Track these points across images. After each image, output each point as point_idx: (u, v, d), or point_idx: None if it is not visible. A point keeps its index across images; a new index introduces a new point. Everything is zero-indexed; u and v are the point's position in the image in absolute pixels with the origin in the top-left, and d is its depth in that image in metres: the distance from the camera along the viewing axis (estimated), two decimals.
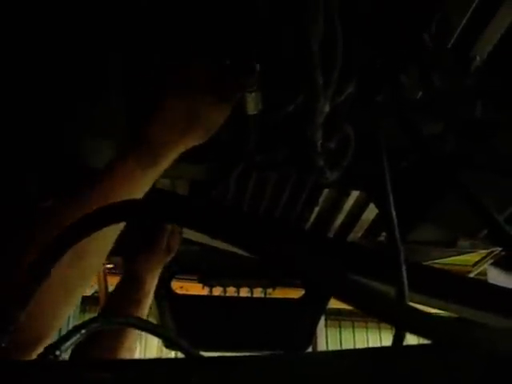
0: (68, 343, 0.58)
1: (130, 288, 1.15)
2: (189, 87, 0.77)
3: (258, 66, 0.73)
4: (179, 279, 1.76)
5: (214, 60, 0.78)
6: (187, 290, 1.81)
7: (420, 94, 0.84)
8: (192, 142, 0.79)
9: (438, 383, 0.32)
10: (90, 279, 0.74)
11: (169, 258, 1.22)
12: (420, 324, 0.34)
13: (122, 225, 0.74)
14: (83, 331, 0.60)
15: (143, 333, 0.75)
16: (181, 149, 0.78)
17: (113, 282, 1.89)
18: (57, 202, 0.77)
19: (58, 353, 0.56)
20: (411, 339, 0.46)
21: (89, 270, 0.71)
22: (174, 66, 0.80)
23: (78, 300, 0.72)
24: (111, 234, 0.73)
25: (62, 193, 0.90)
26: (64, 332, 0.59)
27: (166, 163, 0.77)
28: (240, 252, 0.42)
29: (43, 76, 0.86)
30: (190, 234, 1.23)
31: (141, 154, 0.74)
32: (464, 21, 0.75)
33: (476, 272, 2.66)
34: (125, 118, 0.92)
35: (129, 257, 1.18)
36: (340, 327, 5.81)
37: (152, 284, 1.18)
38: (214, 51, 0.78)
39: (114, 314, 0.82)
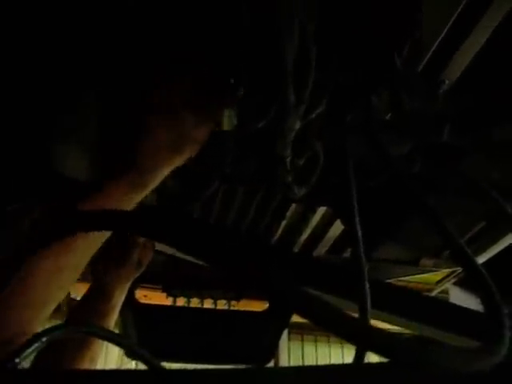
0: (28, 351, 0.57)
1: (97, 300, 1.13)
2: (170, 110, 0.78)
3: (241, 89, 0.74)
4: (143, 287, 1.75)
5: (196, 77, 0.78)
6: (151, 299, 1.79)
7: (389, 114, 0.85)
8: (178, 162, 0.80)
9: None
10: (65, 291, 0.74)
11: (139, 273, 1.20)
12: (380, 342, 0.35)
13: (98, 245, 0.75)
14: (44, 339, 0.59)
15: (105, 342, 0.75)
16: (168, 169, 0.79)
17: (75, 289, 1.87)
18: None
19: (17, 360, 0.56)
20: (373, 357, 0.46)
21: (65, 283, 0.72)
22: (154, 85, 0.80)
23: (51, 309, 0.72)
24: (87, 251, 0.73)
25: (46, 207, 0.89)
26: None
27: (154, 183, 0.78)
28: (205, 264, 0.42)
29: (14, 75, 0.85)
30: (156, 243, 1.23)
31: (132, 179, 0.76)
32: (435, 45, 0.76)
33: (438, 290, 2.69)
34: (96, 122, 0.91)
35: (97, 267, 1.16)
36: (302, 341, 5.81)
37: (120, 298, 1.16)
38: (197, 67, 0.79)
39: (77, 323, 0.81)
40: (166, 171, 0.79)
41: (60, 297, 0.72)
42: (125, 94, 0.86)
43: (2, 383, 0.35)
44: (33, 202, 0.96)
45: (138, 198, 0.77)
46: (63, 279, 0.71)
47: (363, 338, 0.35)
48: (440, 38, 0.75)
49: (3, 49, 0.79)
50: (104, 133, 0.93)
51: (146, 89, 0.80)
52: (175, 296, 1.73)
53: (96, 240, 0.75)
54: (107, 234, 0.77)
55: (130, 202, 0.76)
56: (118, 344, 0.73)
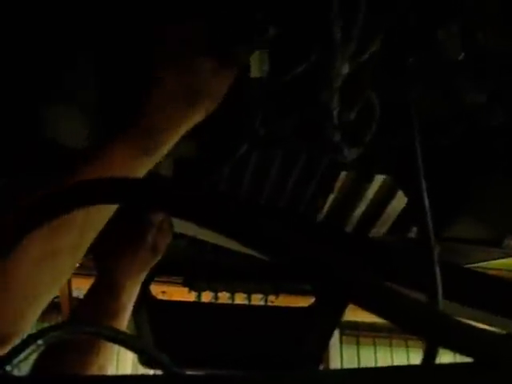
0: (22, 356, 0.57)
1: (105, 297, 1.11)
2: (182, 55, 0.78)
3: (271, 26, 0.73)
4: (160, 282, 1.77)
5: (212, 12, 0.78)
6: (170, 296, 1.81)
7: (462, 55, 0.83)
8: (195, 121, 0.80)
9: None
10: (61, 280, 0.74)
11: (154, 261, 1.19)
12: (457, 337, 0.34)
13: (103, 220, 0.75)
14: (40, 342, 0.60)
15: (116, 346, 0.76)
16: (183, 130, 0.79)
17: (78, 284, 1.90)
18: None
19: (8, 368, 0.56)
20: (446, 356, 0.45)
21: (61, 270, 0.72)
22: (162, 29, 0.80)
23: (46, 303, 0.73)
24: (88, 229, 0.73)
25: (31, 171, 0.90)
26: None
27: (167, 147, 0.78)
28: (236, 248, 0.42)
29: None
30: (174, 224, 1.23)
31: (139, 139, 0.75)
32: None
33: None
34: (94, 78, 0.92)
35: (103, 256, 1.15)
36: (358, 344, 5.82)
37: (133, 293, 1.14)
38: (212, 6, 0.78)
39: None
40: (181, 130, 0.78)
41: (56, 287, 0.73)
42: (127, 40, 0.86)
43: None
44: (20, 176, 0.97)
45: (149, 164, 0.77)
46: (58, 265, 0.70)
47: (437, 331, 0.34)
48: None
49: None
50: (104, 90, 0.93)
51: (152, 30, 0.80)
52: (199, 290, 1.74)
53: (99, 214, 0.75)
54: (113, 207, 0.77)
55: (139, 169, 0.76)
56: (131, 347, 0.73)
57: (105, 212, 0.76)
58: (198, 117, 0.79)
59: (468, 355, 0.33)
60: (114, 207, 0.77)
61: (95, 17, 0.85)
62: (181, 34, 0.78)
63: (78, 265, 0.76)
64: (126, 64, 0.88)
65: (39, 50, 0.89)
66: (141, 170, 0.76)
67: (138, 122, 0.76)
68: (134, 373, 4.63)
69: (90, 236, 0.74)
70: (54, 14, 0.84)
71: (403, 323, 0.34)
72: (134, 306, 1.18)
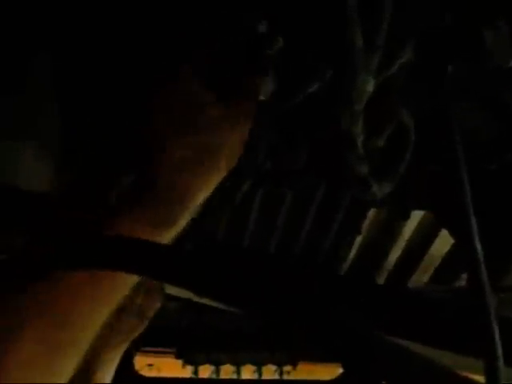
0: None
1: (76, 376, 1.11)
2: (185, 114, 0.78)
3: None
4: (147, 352, 1.76)
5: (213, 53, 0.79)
6: (159, 371, 1.80)
7: None
8: (215, 182, 0.80)
9: None
10: (65, 378, 0.74)
11: (140, 331, 1.18)
12: None
13: (119, 296, 0.75)
14: None
15: None
16: (204, 194, 0.79)
17: None
18: None
19: None
20: None
21: (59, 372, 0.72)
22: (157, 93, 0.81)
23: None
24: (94, 321, 0.74)
25: None
26: None
27: (188, 216, 0.78)
28: (241, 312, 0.43)
29: None
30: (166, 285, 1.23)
31: (152, 214, 0.75)
32: None
33: None
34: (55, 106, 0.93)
35: None
36: None
37: (110, 369, 1.15)
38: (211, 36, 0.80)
39: None
40: (201, 195, 0.79)
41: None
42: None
43: None
44: None
45: (167, 236, 0.77)
46: (54, 366, 0.71)
47: None
48: None
49: None
50: (66, 123, 0.94)
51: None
52: (197, 363, 1.74)
53: (107, 305, 0.75)
54: (129, 285, 0.77)
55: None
56: None
57: (110, 298, 0.76)
58: (218, 177, 0.80)
59: None
60: (118, 295, 0.77)
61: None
62: (178, 90, 0.79)
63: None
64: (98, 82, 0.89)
65: None
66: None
67: (150, 188, 0.76)
68: None
69: (96, 324, 0.74)
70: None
71: None
72: (112, 382, 1.18)
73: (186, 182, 0.77)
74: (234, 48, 0.78)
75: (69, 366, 0.73)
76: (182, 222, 0.77)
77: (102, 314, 0.74)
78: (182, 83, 0.79)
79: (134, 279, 0.75)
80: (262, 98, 0.79)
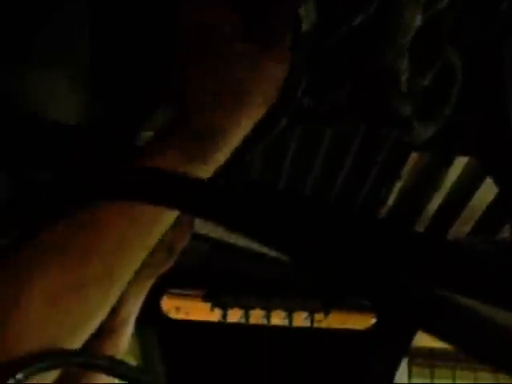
0: None
1: None
2: (211, 47, 0.78)
3: None
4: (175, 294, 1.78)
5: None
6: (187, 313, 1.82)
7: None
8: (256, 114, 0.80)
9: None
10: (92, 320, 0.74)
11: (167, 267, 1.19)
12: None
13: (156, 233, 0.76)
14: (20, 376, 0.61)
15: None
16: (243, 129, 0.79)
17: None
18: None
19: None
20: None
21: (87, 308, 0.72)
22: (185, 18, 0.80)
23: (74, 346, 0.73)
24: (122, 255, 0.74)
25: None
26: None
27: (223, 153, 0.79)
28: (272, 254, 0.42)
29: None
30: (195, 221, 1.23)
31: (193, 146, 0.76)
32: None
33: None
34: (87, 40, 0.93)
35: None
36: (432, 376, 5.81)
37: (136, 305, 1.16)
38: None
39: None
40: (236, 136, 0.79)
41: (86, 328, 0.73)
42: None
43: None
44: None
45: (207, 172, 0.77)
46: (82, 302, 0.71)
47: None
48: None
49: None
50: (99, 52, 0.94)
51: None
52: (225, 307, 1.75)
53: (136, 239, 0.75)
54: (165, 222, 0.78)
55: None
56: (133, 381, 0.74)
57: (145, 232, 0.76)
58: (255, 113, 0.80)
59: None
60: (154, 232, 0.77)
61: None
62: (206, 24, 0.78)
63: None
64: (129, 14, 0.89)
65: None
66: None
67: (184, 123, 0.77)
68: None
69: (125, 262, 0.75)
70: None
71: (496, 363, 0.34)
72: (139, 324, 1.19)
73: (219, 117, 0.77)
74: None
75: (102, 302, 0.73)
76: (219, 158, 0.78)
77: (141, 247, 0.75)
78: (209, 16, 0.78)
79: (171, 215, 0.76)
80: (303, 29, 0.78)
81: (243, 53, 0.77)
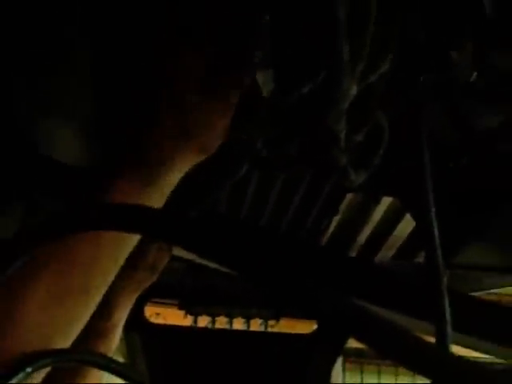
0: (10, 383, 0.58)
1: (95, 315, 1.12)
2: (179, 93, 0.78)
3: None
4: (155, 303, 1.77)
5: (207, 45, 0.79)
6: (165, 319, 1.81)
7: (474, 76, 0.84)
8: (196, 156, 0.80)
9: None
10: (78, 323, 0.73)
11: (150, 282, 1.19)
12: (464, 377, 0.34)
13: (122, 252, 0.76)
14: (29, 369, 0.60)
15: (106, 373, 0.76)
16: (185, 164, 0.79)
17: None
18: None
19: None
20: None
21: (74, 313, 0.72)
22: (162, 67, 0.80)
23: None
24: (97, 269, 0.74)
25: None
26: None
27: (168, 180, 0.78)
28: (234, 273, 0.43)
29: None
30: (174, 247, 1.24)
31: (141, 172, 0.76)
32: None
33: None
34: (92, 93, 0.93)
35: None
36: (362, 372, 5.80)
37: (124, 312, 1.16)
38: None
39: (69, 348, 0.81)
40: (180, 166, 0.79)
41: (72, 331, 0.72)
42: (124, 66, 0.87)
43: None
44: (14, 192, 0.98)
45: (152, 201, 0.77)
46: (69, 308, 0.71)
47: (441, 371, 0.35)
48: None
49: None
50: (100, 108, 0.94)
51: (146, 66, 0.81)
52: (196, 314, 1.75)
53: (108, 253, 0.75)
54: (130, 244, 0.78)
55: (147, 200, 0.76)
56: (123, 377, 0.74)
57: (114, 251, 0.76)
58: (194, 153, 0.79)
59: None
60: (123, 248, 0.77)
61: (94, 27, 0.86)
62: (179, 71, 0.78)
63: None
64: (124, 77, 0.89)
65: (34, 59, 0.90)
66: (148, 201, 0.76)
67: (138, 157, 0.76)
68: None
69: (102, 276, 0.75)
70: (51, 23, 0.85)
71: (406, 363, 0.34)
72: (125, 327, 1.19)
73: (164, 152, 0.77)
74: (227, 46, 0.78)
75: (82, 309, 0.73)
76: (165, 183, 0.78)
77: (109, 265, 0.75)
78: (184, 70, 0.78)
79: (133, 239, 0.76)
80: (263, 95, 0.79)
81: (196, 101, 0.77)
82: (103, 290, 0.75)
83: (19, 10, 0.84)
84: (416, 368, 0.35)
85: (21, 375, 0.59)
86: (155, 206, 0.76)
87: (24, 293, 0.66)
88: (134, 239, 0.77)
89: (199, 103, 0.77)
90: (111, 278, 0.75)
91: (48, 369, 0.70)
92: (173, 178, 0.79)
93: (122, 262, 0.76)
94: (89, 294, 0.73)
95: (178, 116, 0.77)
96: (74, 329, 0.72)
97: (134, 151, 0.77)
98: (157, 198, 0.77)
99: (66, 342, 0.71)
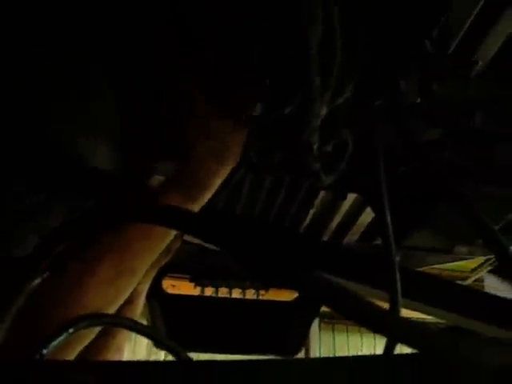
0: (55, 343, 0.58)
1: None
2: (207, 123, 0.79)
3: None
4: (171, 277, 1.77)
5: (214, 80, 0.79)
6: (179, 289, 1.81)
7: (418, 99, 0.84)
8: (224, 175, 0.81)
9: None
10: (121, 299, 0.74)
11: (166, 260, 1.21)
12: (410, 334, 0.34)
13: (163, 244, 0.76)
14: (71, 330, 0.60)
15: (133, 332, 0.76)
16: (217, 183, 0.80)
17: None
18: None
19: (44, 352, 0.57)
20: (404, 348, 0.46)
21: (122, 290, 0.72)
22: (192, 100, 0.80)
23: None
24: (142, 256, 0.74)
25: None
26: None
27: (206, 198, 0.79)
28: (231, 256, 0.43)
29: (27, 68, 0.86)
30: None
31: (188, 191, 0.77)
32: (466, 26, 0.75)
33: (473, 278, 2.67)
34: (119, 113, 0.92)
35: None
36: (334, 331, 5.79)
37: (146, 285, 1.17)
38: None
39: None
40: (216, 183, 0.80)
41: (116, 304, 0.73)
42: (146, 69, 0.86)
43: (30, 374, 0.35)
44: (57, 196, 0.97)
45: (194, 209, 0.78)
46: (120, 286, 0.71)
47: (393, 330, 0.35)
48: (471, 19, 0.74)
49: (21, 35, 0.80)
50: (125, 117, 0.94)
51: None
52: (203, 286, 1.74)
53: (149, 242, 0.76)
54: (170, 238, 0.78)
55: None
56: (147, 336, 0.74)
57: (160, 242, 0.77)
58: (226, 172, 0.81)
59: (418, 349, 0.34)
60: (165, 240, 0.77)
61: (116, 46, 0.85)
62: (202, 108, 0.79)
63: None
64: (146, 93, 0.88)
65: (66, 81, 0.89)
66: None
67: (186, 175, 0.77)
68: (148, 354, 4.59)
69: (147, 262, 0.75)
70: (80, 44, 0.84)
71: (367, 324, 0.34)
72: (147, 296, 1.19)
73: (207, 170, 0.78)
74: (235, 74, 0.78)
75: (129, 286, 0.74)
76: (204, 200, 0.79)
77: (153, 252, 0.76)
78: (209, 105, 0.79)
79: (172, 233, 0.78)
80: (254, 114, 0.79)
81: (226, 130, 0.78)
82: (143, 273, 0.75)
83: (58, 46, 0.84)
84: (374, 328, 0.35)
85: (64, 335, 0.59)
86: None
87: (91, 270, 0.67)
88: (172, 234, 0.77)
89: (226, 128, 0.78)
90: (150, 263, 0.76)
91: (98, 329, 0.71)
92: (209, 195, 0.80)
93: (159, 252, 0.77)
94: (135, 275, 0.74)
95: (216, 143, 0.78)
96: (119, 302, 0.73)
97: (179, 175, 0.78)
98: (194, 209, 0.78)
99: (112, 310, 0.71)
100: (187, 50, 0.79)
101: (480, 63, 0.80)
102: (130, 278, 0.73)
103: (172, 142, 0.82)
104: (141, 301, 1.15)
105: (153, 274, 1.18)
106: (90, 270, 0.68)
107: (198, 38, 0.78)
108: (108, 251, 0.69)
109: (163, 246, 0.77)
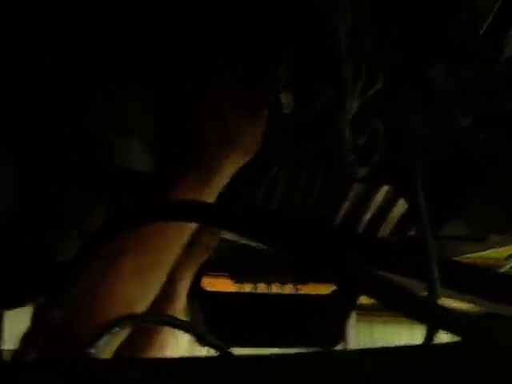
0: (101, 341, 0.58)
1: (165, 287, 1.14)
2: (218, 109, 0.79)
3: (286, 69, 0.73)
4: (208, 275, 1.77)
5: (240, 74, 0.79)
6: (215, 286, 1.81)
7: (449, 85, 0.83)
8: (239, 159, 0.80)
9: (469, 380, 0.32)
10: (150, 294, 0.74)
11: (204, 259, 1.21)
12: (451, 321, 0.34)
13: (184, 237, 0.76)
14: (117, 329, 0.61)
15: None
16: (231, 167, 0.80)
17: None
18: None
19: (91, 351, 0.57)
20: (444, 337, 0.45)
21: (148, 285, 0.73)
22: (201, 88, 0.80)
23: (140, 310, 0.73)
24: (166, 250, 0.74)
25: None
26: None
27: (218, 182, 0.79)
28: (271, 251, 0.43)
29: (64, 77, 0.88)
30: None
31: (195, 176, 0.76)
32: (495, 9, 0.73)
33: (508, 266, 2.63)
34: (152, 116, 0.93)
35: None
36: (371, 322, 5.77)
37: (186, 283, 1.17)
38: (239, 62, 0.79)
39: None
40: (227, 168, 0.79)
41: (145, 301, 0.73)
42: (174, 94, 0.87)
43: (77, 374, 0.36)
44: (97, 199, 0.99)
45: (207, 196, 0.77)
46: (145, 281, 0.71)
47: (433, 318, 0.34)
48: (498, 4, 0.72)
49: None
50: (162, 128, 0.94)
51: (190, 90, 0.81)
52: (241, 282, 1.74)
53: (174, 237, 0.76)
54: (189, 231, 0.78)
55: (202, 196, 0.76)
56: (190, 332, 0.74)
57: (178, 236, 0.76)
58: (239, 158, 0.80)
59: (460, 336, 0.34)
60: (189, 232, 0.77)
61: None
62: (216, 93, 0.79)
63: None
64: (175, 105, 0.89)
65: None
66: (198, 197, 0.76)
67: (192, 164, 0.77)
68: (190, 347, 4.61)
69: (169, 256, 0.75)
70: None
71: (407, 313, 0.34)
72: (188, 296, 1.20)
73: (213, 152, 0.78)
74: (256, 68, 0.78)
75: (155, 281, 0.74)
76: (216, 185, 0.78)
77: (175, 246, 0.75)
78: (219, 92, 0.79)
79: (192, 227, 0.77)
80: (285, 111, 0.79)
81: (237, 116, 0.77)
82: (169, 267, 0.75)
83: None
84: (415, 316, 0.35)
85: (108, 335, 0.60)
86: (209, 201, 0.76)
87: (114, 267, 0.67)
88: (192, 227, 0.77)
89: (236, 116, 0.78)
90: (175, 257, 0.76)
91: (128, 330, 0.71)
92: (221, 178, 0.79)
93: (183, 245, 0.77)
94: (158, 269, 0.74)
95: (221, 127, 0.78)
96: (148, 296, 0.73)
97: (189, 159, 0.78)
98: (209, 195, 0.78)
99: (141, 307, 0.71)
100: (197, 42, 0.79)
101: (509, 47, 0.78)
102: (155, 272, 0.73)
103: (184, 129, 0.82)
104: (182, 298, 1.16)
105: (191, 273, 1.18)
106: (113, 267, 0.68)
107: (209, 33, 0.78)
108: (128, 248, 0.69)
109: (184, 238, 0.77)
